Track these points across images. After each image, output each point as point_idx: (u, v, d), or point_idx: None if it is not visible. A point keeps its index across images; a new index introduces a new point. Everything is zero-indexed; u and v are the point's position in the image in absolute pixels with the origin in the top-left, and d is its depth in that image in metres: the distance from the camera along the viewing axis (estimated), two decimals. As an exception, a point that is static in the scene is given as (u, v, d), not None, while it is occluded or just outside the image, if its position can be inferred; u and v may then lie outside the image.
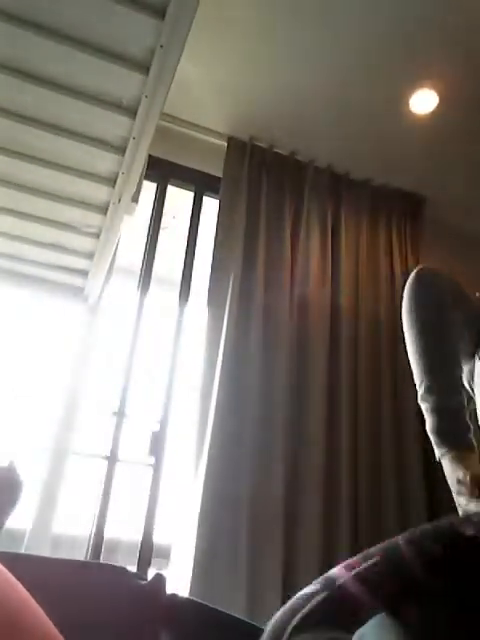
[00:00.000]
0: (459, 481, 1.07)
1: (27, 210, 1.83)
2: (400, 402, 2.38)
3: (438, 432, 1.13)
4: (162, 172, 2.60)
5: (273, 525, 1.99)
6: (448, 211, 2.94)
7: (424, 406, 1.17)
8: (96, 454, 2.14)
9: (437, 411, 1.14)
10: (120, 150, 1.57)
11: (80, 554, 1.99)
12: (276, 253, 2.44)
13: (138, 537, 2.03)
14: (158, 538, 2.06)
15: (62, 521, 2.02)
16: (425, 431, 1.18)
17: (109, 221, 1.82)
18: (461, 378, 1.20)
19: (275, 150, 2.67)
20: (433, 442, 1.14)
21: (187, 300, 2.45)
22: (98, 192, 1.74)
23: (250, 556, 1.92)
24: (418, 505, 2.22)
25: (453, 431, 1.13)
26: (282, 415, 2.16)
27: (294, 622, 0.64)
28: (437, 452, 1.13)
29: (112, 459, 2.08)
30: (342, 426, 2.23)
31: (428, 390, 1.16)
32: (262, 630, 0.63)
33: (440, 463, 1.14)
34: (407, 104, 2.43)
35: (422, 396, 1.17)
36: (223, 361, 2.16)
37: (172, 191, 2.66)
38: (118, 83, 1.40)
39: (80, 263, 2.06)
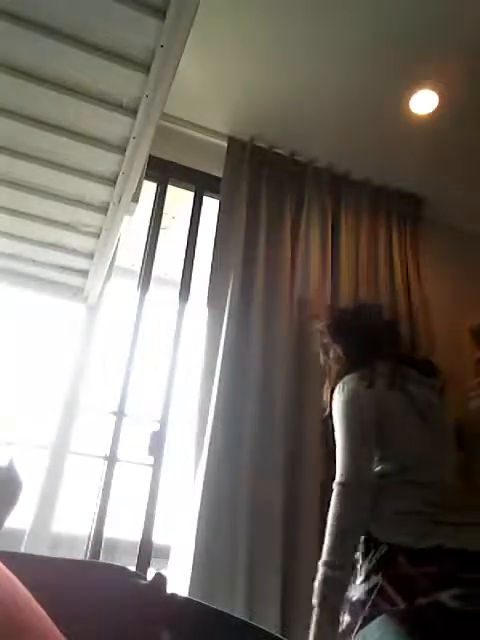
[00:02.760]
0: None
1: (27, 210, 1.82)
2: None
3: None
4: (162, 172, 2.60)
5: (272, 525, 1.99)
6: (448, 211, 2.94)
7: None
8: (95, 454, 2.14)
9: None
10: (120, 150, 1.57)
11: (79, 554, 1.99)
12: (276, 253, 2.44)
13: (137, 537, 2.03)
14: (157, 538, 2.06)
15: (61, 521, 2.02)
16: None
17: (109, 221, 1.81)
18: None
19: (275, 150, 2.67)
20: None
21: (187, 300, 2.44)
22: (98, 192, 1.73)
23: (249, 556, 1.92)
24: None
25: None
26: (282, 415, 2.16)
27: None
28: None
29: (111, 459, 2.08)
30: (342, 426, 2.23)
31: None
32: (261, 629, 0.63)
33: None
34: (407, 104, 2.44)
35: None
36: (223, 361, 2.16)
37: (172, 191, 2.66)
38: (119, 83, 1.40)
39: (80, 263, 2.06)
